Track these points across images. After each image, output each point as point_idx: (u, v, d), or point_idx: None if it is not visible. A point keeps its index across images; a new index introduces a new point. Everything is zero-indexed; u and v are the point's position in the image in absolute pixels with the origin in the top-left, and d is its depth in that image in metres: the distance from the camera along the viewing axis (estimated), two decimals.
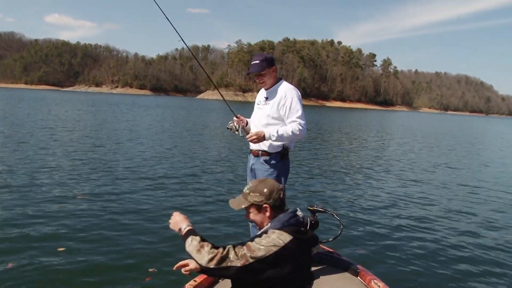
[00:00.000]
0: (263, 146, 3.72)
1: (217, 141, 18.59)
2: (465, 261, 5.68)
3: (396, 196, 9.35)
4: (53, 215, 6.32)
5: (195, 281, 3.29)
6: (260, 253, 2.14)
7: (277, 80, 3.81)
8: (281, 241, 2.18)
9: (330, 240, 3.77)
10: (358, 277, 3.65)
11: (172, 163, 11.55)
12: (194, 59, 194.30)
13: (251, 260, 2.13)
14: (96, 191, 7.90)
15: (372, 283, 3.45)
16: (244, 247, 2.18)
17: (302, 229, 2.33)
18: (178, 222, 2.39)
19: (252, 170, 3.88)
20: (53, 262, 4.68)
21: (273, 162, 3.73)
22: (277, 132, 3.57)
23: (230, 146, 16.74)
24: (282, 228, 2.27)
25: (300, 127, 3.61)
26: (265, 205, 2.36)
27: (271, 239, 2.19)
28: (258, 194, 2.37)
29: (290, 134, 3.58)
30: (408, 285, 4.80)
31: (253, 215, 2.42)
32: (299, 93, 3.76)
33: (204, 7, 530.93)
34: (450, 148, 22.88)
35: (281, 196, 2.40)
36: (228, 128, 3.97)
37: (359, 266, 3.75)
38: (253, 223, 2.65)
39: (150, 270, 4.61)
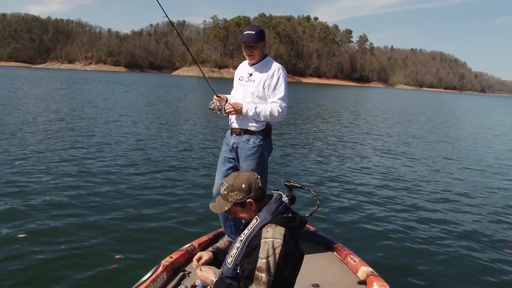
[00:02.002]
0: (247, 124, 3.60)
1: (194, 119, 18.40)
2: (439, 236, 5.79)
3: (373, 171, 9.45)
4: (15, 198, 6.12)
5: (171, 257, 3.26)
6: (271, 265, 2.11)
7: (264, 57, 3.64)
8: (278, 239, 2.14)
9: (306, 215, 3.73)
10: (335, 253, 3.67)
11: (147, 146, 11.37)
12: (169, 35, 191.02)
13: (271, 279, 2.11)
14: (63, 174, 7.59)
15: (348, 258, 3.47)
16: (257, 272, 2.13)
17: (290, 215, 2.29)
18: (207, 277, 2.35)
19: (233, 149, 3.72)
20: (13, 248, 4.52)
21: (257, 140, 3.60)
22: (255, 109, 3.47)
23: (207, 124, 16.60)
24: (272, 220, 2.22)
25: (280, 109, 3.50)
26: (248, 200, 2.28)
27: (270, 244, 2.14)
28: (237, 192, 2.27)
29: (268, 114, 3.48)
30: (384, 259, 4.86)
31: (240, 213, 2.34)
32: (286, 74, 3.61)
33: None
34: (429, 124, 23.23)
35: (260, 184, 2.33)
36: (210, 108, 3.81)
37: (335, 242, 3.77)
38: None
39: (117, 256, 4.50)
